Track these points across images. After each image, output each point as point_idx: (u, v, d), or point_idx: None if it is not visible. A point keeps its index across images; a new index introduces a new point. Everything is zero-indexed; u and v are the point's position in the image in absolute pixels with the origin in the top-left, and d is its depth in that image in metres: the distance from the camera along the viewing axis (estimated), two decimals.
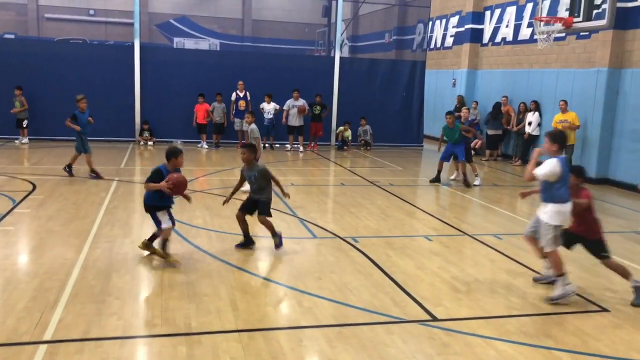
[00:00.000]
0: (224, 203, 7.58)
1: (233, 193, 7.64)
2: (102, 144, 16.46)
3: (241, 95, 17.37)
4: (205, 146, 17.18)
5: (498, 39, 18.19)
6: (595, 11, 12.40)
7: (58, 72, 17.14)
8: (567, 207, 6.10)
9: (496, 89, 17.93)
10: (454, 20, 20.79)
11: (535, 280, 6.79)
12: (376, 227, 9.01)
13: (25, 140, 16.48)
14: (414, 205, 10.69)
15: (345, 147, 18.37)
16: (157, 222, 6.97)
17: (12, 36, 25.95)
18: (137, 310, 5.55)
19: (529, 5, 16.58)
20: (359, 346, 5.01)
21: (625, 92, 13.28)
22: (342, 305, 5.87)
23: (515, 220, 9.96)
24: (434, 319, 5.64)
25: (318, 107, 17.69)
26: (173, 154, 6.91)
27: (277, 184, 7.56)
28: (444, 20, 21.60)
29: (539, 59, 16.12)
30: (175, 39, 28.70)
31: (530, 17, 16.09)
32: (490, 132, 17.18)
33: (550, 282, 6.54)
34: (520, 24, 17.03)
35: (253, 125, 11.00)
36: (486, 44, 18.88)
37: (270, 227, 7.45)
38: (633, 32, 13.06)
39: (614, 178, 13.64)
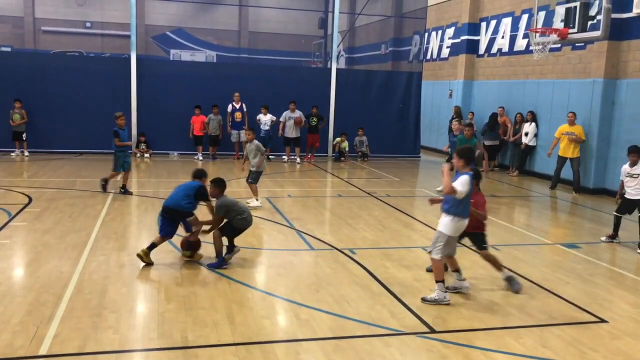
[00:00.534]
0: None
1: None
2: (99, 156, 16.43)
3: (237, 106, 17.39)
4: (201, 158, 17.16)
5: (494, 50, 18.28)
6: (590, 22, 12.48)
7: (54, 85, 17.14)
8: (465, 222, 6.36)
9: (492, 100, 17.99)
10: (450, 31, 20.89)
11: (447, 288, 6.74)
12: (373, 239, 8.99)
13: (26, 152, 16.46)
14: (411, 217, 10.68)
15: (342, 158, 18.38)
16: (168, 230, 7.41)
17: (9, 49, 25.97)
18: (133, 324, 5.51)
19: (525, 17, 16.69)
20: (356, 359, 4.97)
21: (621, 103, 13.33)
22: (339, 317, 5.84)
23: (512, 231, 9.95)
24: (432, 330, 5.61)
25: (315, 119, 17.71)
26: (205, 175, 7.75)
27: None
28: (440, 32, 21.71)
29: (535, 69, 16.19)
30: (172, 51, 28.75)
31: (526, 29, 16.18)
32: (487, 142, 17.19)
33: (457, 291, 6.67)
34: (516, 35, 17.12)
35: (255, 142, 10.81)
36: (482, 55, 18.97)
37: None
38: (628, 43, 13.14)
39: (611, 188, 13.63)
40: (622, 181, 9.17)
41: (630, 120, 13.11)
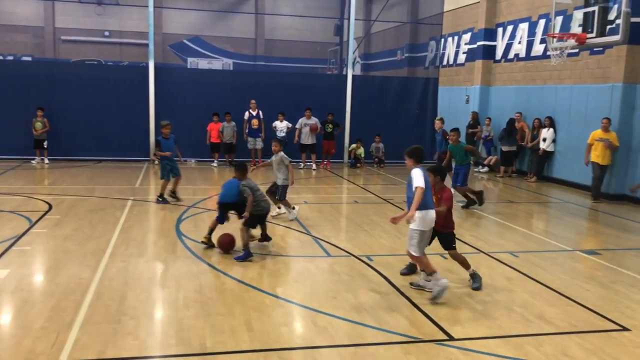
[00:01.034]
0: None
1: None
2: (117, 164, 16.62)
3: (254, 114, 17.48)
4: (215, 164, 17.26)
5: (511, 55, 18.18)
6: (609, 26, 12.34)
7: (74, 93, 17.38)
8: (431, 213, 6.52)
9: (510, 105, 17.88)
10: (466, 37, 20.83)
11: (411, 284, 7.01)
12: (391, 246, 8.96)
13: (47, 160, 16.69)
14: None
15: (358, 165, 18.37)
16: (223, 219, 8.42)
17: (30, 58, 26.39)
18: (152, 330, 5.55)
19: (542, 22, 16.59)
20: None
21: None
22: (357, 324, 5.83)
23: (531, 238, 9.86)
24: (451, 338, 5.57)
25: (330, 125, 17.74)
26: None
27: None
28: (456, 37, 21.65)
29: (553, 75, 16.08)
30: (189, 59, 28.99)
31: (543, 34, 16.09)
32: (504, 148, 17.10)
33: (421, 289, 6.84)
34: (533, 40, 17.02)
35: (281, 154, 10.15)
36: (499, 61, 18.87)
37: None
38: None
39: (632, 194, 13.47)
40: None
41: None
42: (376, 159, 18.74)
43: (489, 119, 18.43)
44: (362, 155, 18.57)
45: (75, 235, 8.85)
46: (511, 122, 17.01)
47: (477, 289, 6.98)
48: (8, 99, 16.94)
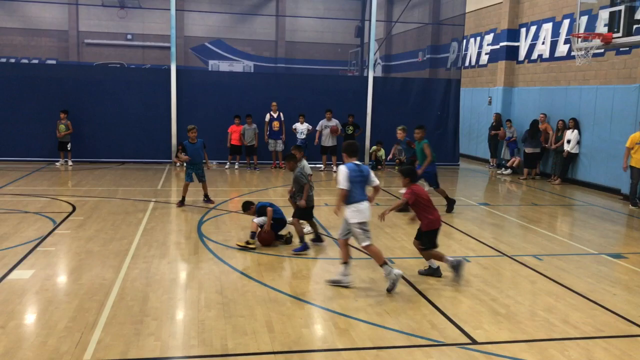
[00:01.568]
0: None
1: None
2: (140, 166, 16.78)
3: (275, 116, 17.51)
4: (227, 166, 17.35)
5: (534, 56, 17.97)
6: (635, 26, 12.12)
7: (97, 96, 17.61)
8: (363, 205, 6.80)
9: (533, 107, 17.68)
10: (489, 37, 20.65)
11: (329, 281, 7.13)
12: (412, 248, 8.85)
13: (70, 162, 16.92)
14: (450, 226, 10.54)
15: (379, 167, 18.31)
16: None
17: (54, 62, 26.79)
18: (174, 331, 5.57)
19: (566, 22, 16.38)
20: None
21: None
22: (379, 327, 5.79)
23: (555, 241, 9.72)
24: (474, 342, 5.51)
25: (351, 127, 17.70)
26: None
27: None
28: (478, 38, 21.48)
29: (577, 75, 15.85)
30: (210, 62, 29.16)
31: (567, 34, 15.88)
32: (528, 150, 16.90)
33: (337, 284, 6.97)
34: (557, 40, 16.80)
35: (298, 168, 9.00)
36: (522, 61, 18.67)
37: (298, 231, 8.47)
38: None
39: None
40: None
41: None
42: (397, 161, 18.64)
43: (509, 121, 18.25)
44: (383, 157, 18.49)
45: (98, 236, 8.94)
46: (534, 123, 16.81)
47: (421, 273, 7.47)
48: (33, 101, 17.22)
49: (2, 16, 27.13)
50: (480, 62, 21.33)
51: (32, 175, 14.92)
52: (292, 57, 30.01)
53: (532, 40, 18.08)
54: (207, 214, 10.74)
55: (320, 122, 17.46)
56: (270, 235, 8.61)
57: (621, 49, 13.89)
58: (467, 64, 22.20)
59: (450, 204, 11.72)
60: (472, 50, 21.96)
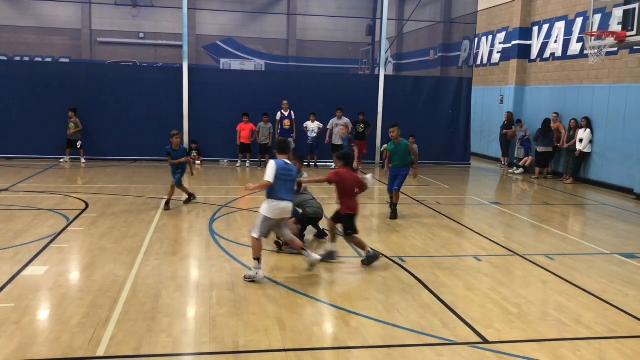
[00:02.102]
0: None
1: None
2: (152, 164, 16.86)
3: (286, 114, 17.53)
4: (238, 164, 17.42)
5: (547, 54, 17.86)
6: None
7: (110, 94, 17.71)
8: (281, 204, 6.96)
9: (545, 106, 17.57)
10: (501, 36, 20.54)
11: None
12: (423, 247, 8.89)
13: (83, 160, 17.05)
14: (462, 225, 10.52)
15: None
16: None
17: (67, 60, 26.98)
18: (186, 328, 5.61)
19: (579, 20, 16.26)
20: None
21: None
22: (389, 325, 5.80)
23: (567, 240, 9.67)
24: (485, 341, 5.50)
25: (362, 125, 17.68)
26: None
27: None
28: (490, 37, 21.37)
29: (590, 74, 15.74)
30: (222, 60, 29.24)
31: (580, 32, 15.77)
32: (540, 149, 16.81)
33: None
34: (570, 39, 16.69)
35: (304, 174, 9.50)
36: (534, 60, 18.57)
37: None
38: None
39: None
40: None
41: None
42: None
43: (520, 121, 18.17)
44: None
45: (111, 233, 9.01)
46: (547, 122, 16.71)
47: (365, 263, 7.69)
48: (47, 99, 17.35)
49: (16, 15, 27.37)
50: (492, 61, 21.23)
51: (45, 172, 15.05)
52: (303, 55, 30.02)
53: (544, 39, 17.96)
54: (219, 212, 10.79)
55: (331, 121, 17.47)
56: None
57: (635, 48, 13.77)
58: (478, 62, 22.10)
59: (394, 212, 10.73)
60: (484, 49, 21.85)
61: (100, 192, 12.40)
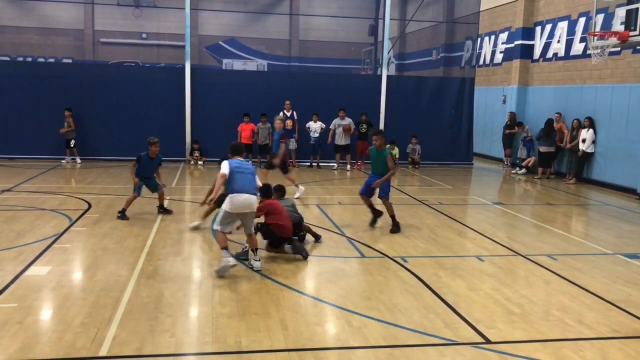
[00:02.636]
0: None
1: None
2: None
3: (288, 114, 17.54)
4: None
5: (549, 54, 17.84)
6: None
7: (112, 94, 17.74)
8: (241, 197, 7.17)
9: (548, 106, 17.55)
10: (503, 36, 20.52)
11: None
12: (426, 247, 8.88)
13: (78, 160, 17.06)
14: (464, 225, 10.51)
15: None
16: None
17: (70, 60, 27.03)
18: (188, 328, 5.62)
19: (581, 20, 16.24)
20: None
21: None
22: (392, 326, 5.79)
23: (570, 240, 9.65)
24: (488, 341, 5.49)
25: (364, 126, 17.68)
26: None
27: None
28: (492, 37, 21.36)
29: (593, 74, 15.71)
30: (224, 61, 29.29)
31: (583, 32, 15.74)
32: (542, 149, 16.79)
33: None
34: (572, 39, 16.67)
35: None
36: (537, 60, 18.55)
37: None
38: None
39: None
40: None
41: None
42: (410, 160, 18.62)
43: (521, 123, 18.17)
44: (397, 156, 18.45)
45: (113, 233, 9.03)
46: (549, 122, 16.69)
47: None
48: (49, 100, 17.37)
49: (19, 15, 27.43)
50: (495, 61, 21.21)
51: (48, 172, 15.08)
52: (306, 55, 30.03)
53: (547, 39, 17.94)
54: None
55: (333, 121, 17.47)
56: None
57: (638, 48, 13.75)
58: (481, 62, 22.08)
59: (395, 225, 9.85)
60: (487, 49, 21.83)
61: (103, 192, 12.42)
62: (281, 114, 17.11)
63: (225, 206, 7.22)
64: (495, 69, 21.15)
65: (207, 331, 5.51)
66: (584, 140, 15.49)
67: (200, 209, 10.01)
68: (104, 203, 11.28)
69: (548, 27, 17.91)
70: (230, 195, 7.21)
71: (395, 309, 6.23)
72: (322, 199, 12.47)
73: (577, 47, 16.43)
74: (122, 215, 10.05)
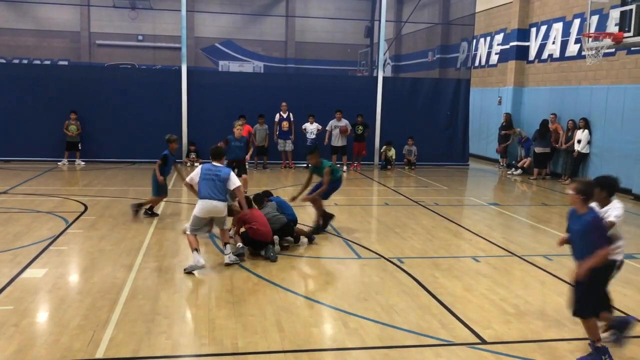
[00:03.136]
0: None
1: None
2: (150, 166, 16.82)
3: (284, 116, 17.56)
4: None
5: (544, 55, 17.90)
6: None
7: (108, 96, 17.73)
8: (207, 203, 7.44)
9: (543, 107, 17.60)
10: (499, 37, 20.58)
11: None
12: (422, 248, 8.90)
13: (82, 163, 17.09)
14: (460, 226, 10.53)
15: (388, 167, 18.31)
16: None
17: (66, 63, 27.00)
18: (185, 330, 5.62)
19: (576, 21, 16.30)
20: None
21: None
22: (388, 327, 5.81)
23: None
24: (483, 342, 5.52)
25: (360, 127, 17.71)
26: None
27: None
28: (488, 38, 21.41)
29: (588, 75, 15.78)
30: (221, 62, 29.28)
31: (578, 34, 15.80)
32: (538, 150, 16.84)
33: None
34: (567, 40, 16.73)
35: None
36: (532, 61, 18.61)
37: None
38: None
39: None
40: None
41: None
42: (406, 161, 18.66)
43: (512, 127, 18.26)
44: (394, 157, 18.49)
45: (110, 235, 9.02)
46: (544, 123, 16.74)
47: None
48: (45, 102, 17.36)
49: (15, 18, 27.37)
50: (490, 62, 21.27)
51: (44, 175, 15.06)
52: (302, 57, 30.05)
53: (542, 40, 18.01)
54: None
55: (330, 122, 17.50)
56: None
57: (632, 49, 13.81)
58: (477, 64, 22.14)
59: (322, 226, 9.66)
60: (482, 50, 21.89)
61: (99, 195, 12.41)
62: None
63: (195, 211, 7.54)
64: (491, 70, 21.21)
65: (204, 333, 5.52)
66: (579, 141, 15.54)
67: None
68: (100, 205, 11.27)
69: (543, 28, 17.98)
70: (198, 201, 7.53)
71: (391, 309, 6.25)
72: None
73: (572, 49, 16.49)
74: (151, 213, 10.45)
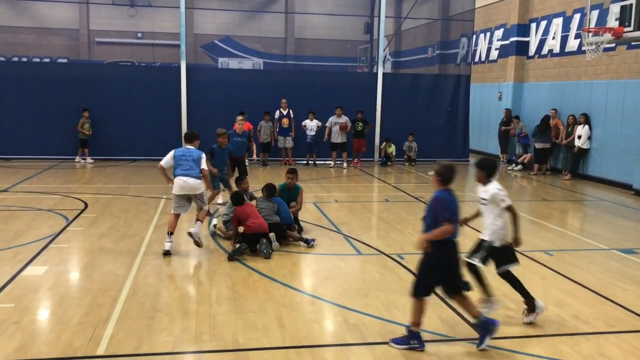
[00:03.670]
0: None
1: None
2: (150, 163, 16.84)
3: (284, 113, 17.55)
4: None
5: (544, 51, 17.88)
6: None
7: (108, 94, 17.70)
8: (181, 180, 7.97)
9: (544, 102, 17.59)
10: (499, 33, 20.55)
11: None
12: None
13: (91, 160, 17.13)
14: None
15: (389, 163, 18.30)
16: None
17: (65, 60, 26.97)
18: (186, 326, 5.63)
19: (576, 16, 16.27)
20: None
21: None
22: (388, 322, 5.82)
23: (565, 236, 9.69)
24: None
25: (360, 124, 17.69)
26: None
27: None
28: (488, 34, 21.38)
29: (588, 70, 15.75)
30: (220, 59, 29.23)
31: (578, 29, 15.77)
32: (538, 145, 16.82)
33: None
34: (568, 35, 16.70)
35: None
36: (532, 57, 18.58)
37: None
38: None
39: None
40: None
41: None
42: (406, 157, 18.65)
43: (517, 117, 18.18)
44: (394, 154, 18.48)
45: (110, 233, 9.03)
46: (545, 119, 16.72)
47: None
48: (45, 100, 17.33)
49: (14, 15, 27.33)
50: (490, 58, 21.24)
51: (44, 173, 15.06)
52: (302, 54, 30.01)
53: (542, 35, 17.98)
54: (218, 211, 10.79)
55: (330, 119, 17.48)
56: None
57: (632, 43, 13.79)
58: (476, 59, 22.11)
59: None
60: (482, 46, 21.86)
61: (100, 192, 12.41)
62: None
63: (174, 189, 8.05)
64: (491, 65, 21.18)
65: (205, 329, 5.53)
66: (579, 137, 15.53)
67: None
68: (101, 203, 11.28)
69: (543, 23, 17.95)
70: (175, 179, 8.02)
71: (391, 305, 6.25)
72: (319, 197, 12.47)
73: (572, 44, 16.46)
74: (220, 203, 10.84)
